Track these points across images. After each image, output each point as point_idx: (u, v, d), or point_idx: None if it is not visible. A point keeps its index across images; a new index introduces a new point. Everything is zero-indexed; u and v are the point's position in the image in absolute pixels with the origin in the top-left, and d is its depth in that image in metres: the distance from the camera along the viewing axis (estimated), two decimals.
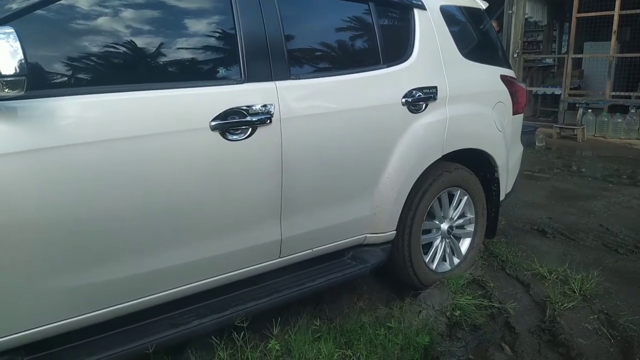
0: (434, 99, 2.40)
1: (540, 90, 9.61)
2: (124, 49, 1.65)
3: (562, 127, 8.07)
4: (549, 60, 10.71)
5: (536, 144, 7.35)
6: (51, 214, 1.47)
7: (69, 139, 1.47)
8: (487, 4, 3.02)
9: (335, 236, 2.26)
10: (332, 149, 2.09)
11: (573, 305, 2.49)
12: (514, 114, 2.94)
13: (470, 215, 2.82)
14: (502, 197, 2.94)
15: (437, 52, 2.48)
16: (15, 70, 1.26)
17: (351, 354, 2.06)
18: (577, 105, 8.43)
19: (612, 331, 2.29)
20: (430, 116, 2.40)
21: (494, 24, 8.40)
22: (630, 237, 3.48)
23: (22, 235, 1.44)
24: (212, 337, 2.00)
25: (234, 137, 1.78)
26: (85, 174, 1.52)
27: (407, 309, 2.42)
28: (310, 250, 2.18)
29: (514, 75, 3.01)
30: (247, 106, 1.80)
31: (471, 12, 2.85)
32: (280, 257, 2.07)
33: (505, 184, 2.95)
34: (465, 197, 2.74)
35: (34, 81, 1.38)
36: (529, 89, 9.52)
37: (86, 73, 1.59)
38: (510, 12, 8.81)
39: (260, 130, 1.84)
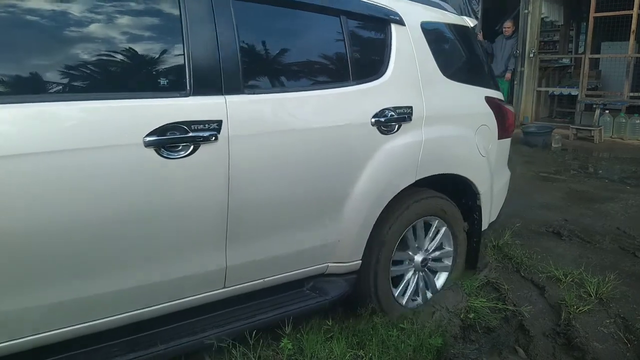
0: (409, 119, 2.22)
1: (557, 90, 9.49)
2: (52, 55, 1.51)
3: (578, 128, 7.97)
4: (566, 61, 10.56)
5: (552, 145, 7.27)
6: None
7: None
8: (475, 22, 2.86)
9: (291, 265, 2.07)
10: (289, 172, 1.93)
11: (589, 309, 2.46)
12: (499, 138, 2.73)
13: (448, 248, 2.61)
14: (485, 226, 2.73)
15: (415, 71, 2.31)
16: None
17: (363, 355, 2.06)
18: (594, 106, 8.30)
19: (629, 335, 2.26)
20: (404, 138, 2.22)
21: (510, 24, 8.37)
22: None
23: None
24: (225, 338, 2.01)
25: (172, 154, 1.62)
26: (6, 187, 1.39)
27: (420, 310, 2.41)
28: (262, 280, 1.99)
29: (501, 97, 2.82)
30: (189, 121, 1.64)
31: (457, 30, 2.68)
32: (225, 287, 1.90)
33: (489, 212, 2.74)
34: (444, 228, 2.54)
35: None
36: (545, 89, 9.42)
37: (6, 81, 1.44)
38: (526, 11, 8.72)
39: (204, 148, 1.68)
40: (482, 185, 2.60)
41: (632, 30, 7.95)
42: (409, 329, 2.23)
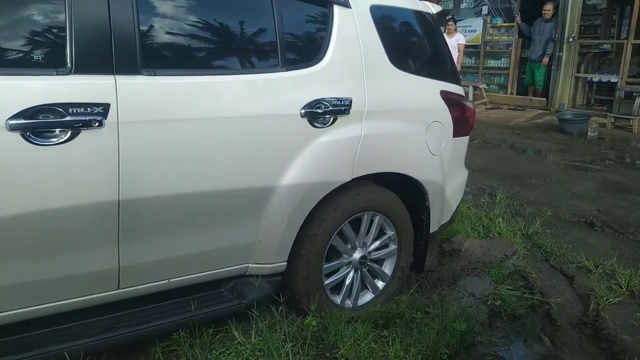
0: (346, 112, 2.01)
1: (596, 77, 9.15)
2: None
3: (616, 117, 7.69)
4: (607, 46, 10.16)
5: (588, 133, 7.05)
6: None
7: None
8: (439, 8, 2.62)
9: (201, 266, 1.89)
10: (197, 166, 1.73)
11: (619, 301, 2.42)
12: (455, 135, 2.47)
13: (392, 246, 2.39)
14: (434, 228, 2.51)
15: (359, 59, 2.07)
16: None
17: (387, 335, 2.08)
18: (634, 94, 7.98)
19: None
20: (339, 132, 2.02)
21: (550, 7, 8.08)
22: None
23: None
24: (251, 309, 2.05)
25: (42, 140, 1.44)
26: None
27: (446, 295, 2.41)
28: (166, 281, 1.81)
29: (461, 92, 2.57)
30: (66, 104, 1.45)
31: (416, 16, 2.42)
32: (119, 289, 1.71)
33: (440, 214, 2.52)
34: (385, 224, 2.33)
35: None
36: (583, 75, 9.10)
37: None
38: None
39: (85, 135, 1.49)
40: (431, 186, 2.38)
41: None
42: (434, 312, 2.24)
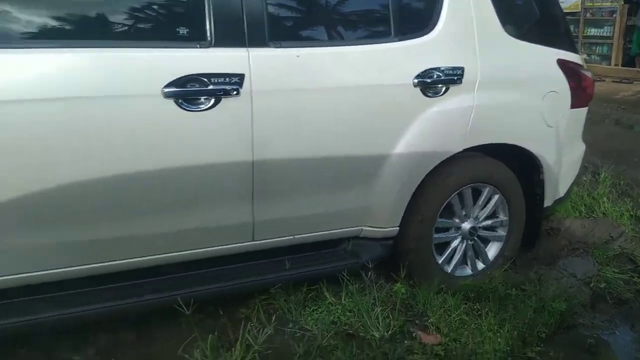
0: (458, 82, 1.99)
1: None
2: (74, 4, 1.53)
3: None
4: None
5: None
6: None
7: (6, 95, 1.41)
8: None
9: (322, 225, 2.00)
10: (319, 131, 1.83)
11: None
12: (573, 106, 2.34)
13: (503, 217, 2.33)
14: (549, 202, 2.41)
15: (471, 26, 2.03)
16: None
17: (479, 308, 2.03)
18: None
19: None
20: (452, 102, 2.00)
21: None
22: None
23: None
24: (341, 273, 2.08)
25: (192, 107, 1.59)
26: (26, 132, 1.45)
27: (544, 274, 2.30)
28: (292, 237, 1.95)
29: (578, 61, 2.43)
30: (210, 74, 1.59)
31: None
32: (253, 241, 1.88)
33: (555, 188, 2.42)
34: (496, 196, 2.27)
35: None
36: None
37: (32, 27, 1.47)
38: None
39: (225, 102, 1.63)
40: (546, 158, 2.28)
41: None
42: (531, 290, 2.14)
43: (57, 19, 1.51)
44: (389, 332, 1.85)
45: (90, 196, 1.56)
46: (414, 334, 1.91)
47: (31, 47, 1.45)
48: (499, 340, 1.85)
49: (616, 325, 2.03)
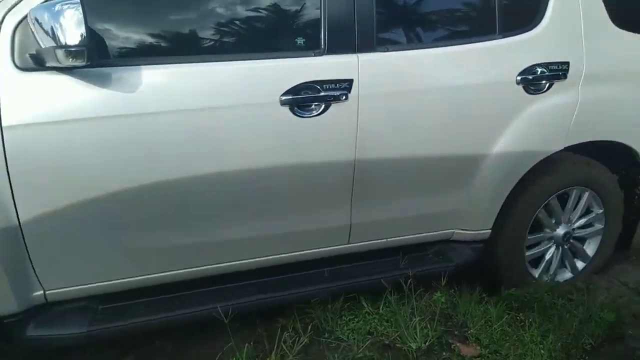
0: (563, 77, 1.96)
1: None
2: (195, 19, 1.62)
3: None
4: None
5: None
6: (126, 179, 1.54)
7: (142, 108, 1.50)
8: None
9: (415, 228, 2.03)
10: (419, 133, 1.85)
11: None
12: None
13: (598, 226, 2.30)
14: None
15: (577, 19, 1.99)
16: (78, 40, 1.29)
17: (523, 318, 1.97)
18: None
19: None
20: (554, 98, 1.98)
21: None
22: None
23: (101, 196, 1.52)
24: (382, 281, 2.08)
25: (305, 113, 1.66)
26: (159, 141, 1.55)
27: (593, 282, 2.21)
28: (385, 240, 2.00)
29: None
30: (321, 80, 1.65)
31: None
32: (349, 243, 1.95)
33: None
34: (594, 202, 2.25)
35: (105, 51, 1.47)
36: None
37: (157, 44, 1.58)
38: None
39: (334, 107, 1.69)
40: None
41: None
42: (578, 300, 2.07)
43: (195, 36, 1.64)
44: (427, 343, 1.84)
45: (215, 197, 1.67)
46: (452, 346, 1.89)
47: (173, 62, 1.55)
48: (541, 352, 1.80)
49: None
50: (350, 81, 1.69)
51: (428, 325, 1.91)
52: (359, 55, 1.71)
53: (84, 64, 1.33)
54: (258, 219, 1.76)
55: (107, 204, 1.53)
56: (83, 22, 1.28)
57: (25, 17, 1.35)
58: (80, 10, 1.28)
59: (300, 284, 1.91)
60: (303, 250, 1.89)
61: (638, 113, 2.17)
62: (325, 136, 1.72)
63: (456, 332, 1.96)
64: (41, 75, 1.40)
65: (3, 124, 1.37)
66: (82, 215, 1.52)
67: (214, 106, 1.58)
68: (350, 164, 1.78)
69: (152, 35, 1.57)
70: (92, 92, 1.44)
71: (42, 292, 1.58)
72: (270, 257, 1.85)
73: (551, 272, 2.27)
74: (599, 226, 2.29)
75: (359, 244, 1.96)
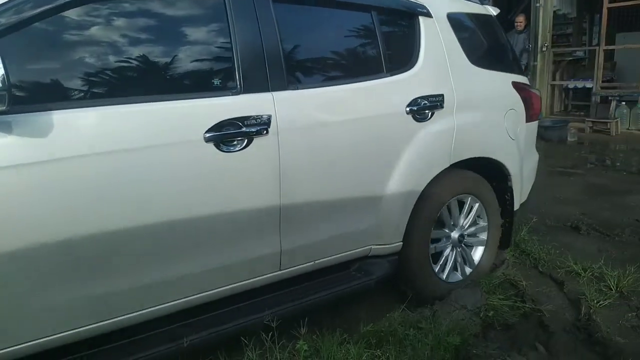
0: (441, 106, 2.34)
1: (571, 84, 9.35)
2: (115, 61, 1.64)
3: (594, 121, 7.85)
4: (580, 53, 10.41)
5: (568, 139, 7.17)
6: (47, 228, 1.48)
7: (60, 153, 1.47)
8: (498, 11, 2.93)
9: (338, 248, 2.20)
10: (333, 160, 2.05)
11: (609, 303, 2.43)
12: (527, 121, 2.82)
13: (483, 224, 2.71)
14: (516, 206, 2.83)
15: (444, 60, 2.41)
16: None
17: (380, 354, 2.05)
18: (609, 98, 8.17)
19: None
20: (437, 125, 2.33)
21: (521, 19, 8.28)
22: None
23: (20, 248, 1.44)
24: (241, 338, 2.02)
25: (229, 148, 1.76)
26: (78, 186, 1.51)
27: (438, 309, 2.39)
28: (313, 263, 2.13)
29: (526, 82, 2.93)
30: (242, 117, 1.77)
31: (480, 19, 2.77)
32: (280, 270, 2.04)
33: (520, 193, 2.84)
34: (477, 205, 2.64)
35: (21, 96, 1.44)
36: (559, 82, 9.30)
37: (76, 87, 1.57)
38: (537, 5, 8.61)
39: (257, 142, 1.80)
40: (512, 167, 2.70)
41: None
42: (427, 328, 2.21)
43: (109, 76, 1.64)
44: None
45: (142, 240, 1.65)
46: None
47: (83, 106, 1.54)
48: None
49: (506, 351, 2.14)
50: (269, 116, 1.83)
51: None
52: (273, 93, 1.86)
53: (3, 109, 1.29)
54: (186, 256, 1.78)
55: (34, 255, 1.46)
56: (1, 64, 1.25)
57: None
58: None
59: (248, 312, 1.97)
60: (240, 282, 1.95)
61: (498, 133, 2.64)
62: (251, 169, 1.83)
63: None
64: None
65: None
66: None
67: (138, 147, 1.59)
68: (275, 194, 1.90)
69: (69, 78, 1.57)
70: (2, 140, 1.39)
71: None
72: (209, 292, 1.87)
73: (446, 271, 2.59)
74: (483, 237, 2.73)
75: (290, 269, 2.07)
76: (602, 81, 8.57)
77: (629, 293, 2.51)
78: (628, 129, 7.79)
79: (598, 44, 8.71)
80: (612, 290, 2.53)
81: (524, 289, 2.62)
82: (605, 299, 2.43)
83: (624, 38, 8.89)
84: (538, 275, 2.81)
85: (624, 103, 7.96)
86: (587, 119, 7.95)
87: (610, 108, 7.96)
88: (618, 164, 5.87)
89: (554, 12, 8.97)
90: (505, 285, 2.67)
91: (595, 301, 2.42)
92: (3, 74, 1.26)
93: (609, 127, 7.59)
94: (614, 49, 9.17)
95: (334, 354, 2.04)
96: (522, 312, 2.43)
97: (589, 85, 8.79)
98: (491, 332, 2.29)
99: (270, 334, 1.97)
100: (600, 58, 8.41)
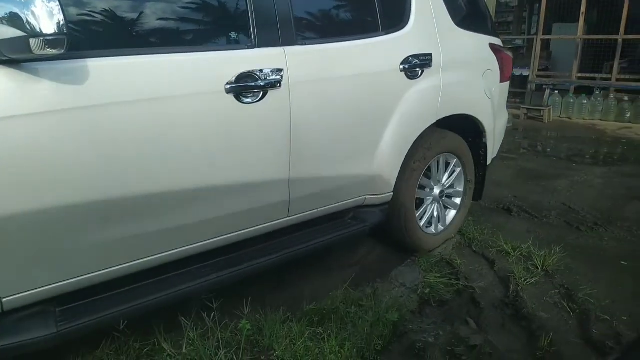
0: (429, 65, 2.51)
1: None
2: (154, 16, 1.76)
3: (529, 108, 8.25)
4: (519, 42, 10.85)
5: None
6: (83, 170, 1.55)
7: (100, 99, 1.54)
8: None
9: (338, 197, 2.39)
10: (336, 113, 2.20)
11: (536, 281, 2.59)
12: (501, 81, 3.06)
13: (459, 189, 2.99)
14: (488, 161, 3.11)
15: (432, 20, 2.57)
16: (56, 29, 1.29)
17: (322, 332, 2.09)
18: (544, 86, 8.60)
19: (572, 305, 2.39)
20: (426, 82, 2.51)
21: None
22: (591, 215, 3.62)
23: (55, 190, 1.51)
24: (181, 317, 2.00)
25: (247, 100, 1.86)
26: (116, 132, 1.59)
27: (379, 287, 2.47)
28: (316, 210, 2.32)
29: (501, 44, 3.14)
30: (259, 70, 1.87)
31: None
32: (289, 216, 2.21)
33: (492, 149, 3.12)
34: (454, 160, 2.89)
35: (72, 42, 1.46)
36: None
37: (113, 36, 1.67)
38: None
39: (271, 94, 1.92)
40: (487, 125, 2.93)
41: (581, 12, 8.23)
42: (367, 305, 2.28)
43: (148, 29, 1.76)
44: None
45: (172, 183, 1.76)
46: None
47: (124, 54, 1.61)
48: None
49: (439, 326, 2.25)
50: (281, 70, 1.94)
51: (234, 357, 1.89)
52: (285, 48, 1.98)
53: (61, 52, 1.33)
54: (207, 201, 1.89)
55: (68, 199, 1.54)
56: (60, 10, 1.28)
57: None
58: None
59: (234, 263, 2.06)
60: (255, 226, 2.10)
61: (477, 92, 2.84)
62: (267, 120, 1.95)
63: (262, 357, 1.97)
64: None
65: None
66: (42, 212, 1.49)
67: (167, 95, 1.68)
68: (287, 144, 2.04)
69: (107, 28, 1.64)
70: (44, 86, 1.43)
71: None
72: (222, 237, 2.00)
73: (432, 224, 2.89)
74: (457, 202, 3.02)
75: (297, 216, 2.24)
76: (538, 70, 9.00)
77: (553, 272, 2.69)
78: (559, 116, 8.26)
79: (536, 34, 9.10)
80: (538, 269, 2.70)
81: (458, 267, 2.74)
82: (532, 277, 2.60)
83: (560, 29, 9.34)
84: (472, 254, 2.95)
85: (557, 92, 8.42)
86: (522, 106, 8.34)
87: (544, 96, 8.40)
88: (549, 149, 6.22)
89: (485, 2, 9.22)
90: (442, 264, 2.79)
91: (522, 279, 2.58)
92: (61, 19, 1.30)
93: (542, 114, 8.00)
94: (550, 39, 9.62)
95: (277, 332, 2.06)
96: (456, 289, 2.55)
97: (525, 73, 9.20)
98: (427, 308, 2.39)
99: (212, 315, 1.96)
100: (537, 47, 8.80)
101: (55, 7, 1.28)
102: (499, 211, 3.74)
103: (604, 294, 2.47)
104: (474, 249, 3.00)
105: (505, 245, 2.94)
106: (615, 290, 2.53)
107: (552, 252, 2.82)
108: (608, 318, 2.27)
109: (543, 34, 8.90)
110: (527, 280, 2.58)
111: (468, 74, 2.79)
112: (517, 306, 2.39)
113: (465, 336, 2.16)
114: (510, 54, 3.23)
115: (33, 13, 1.26)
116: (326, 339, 2.04)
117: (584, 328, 2.22)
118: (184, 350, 1.89)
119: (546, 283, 2.60)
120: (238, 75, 1.82)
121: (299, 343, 2.01)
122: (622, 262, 2.87)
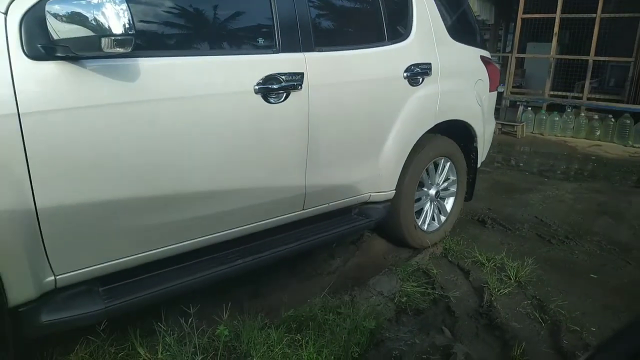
0: (429, 74, 2.73)
1: None
2: (196, 22, 1.95)
3: (503, 124, 8.44)
4: (494, 59, 11.12)
5: None
6: (132, 160, 1.68)
7: (154, 95, 1.69)
8: None
9: (347, 193, 2.57)
10: (348, 114, 2.39)
11: (509, 291, 2.65)
12: (490, 91, 3.34)
13: (452, 178, 3.22)
14: (479, 164, 3.38)
15: (430, 32, 2.80)
16: (124, 29, 1.39)
17: (300, 338, 2.09)
18: (517, 103, 8.83)
19: (543, 315, 2.45)
20: (426, 89, 2.72)
21: None
22: (562, 229, 3.73)
23: (104, 176, 1.63)
24: (157, 323, 1.98)
25: (272, 100, 2.03)
26: (166, 125, 1.74)
27: (357, 295, 2.49)
28: (327, 205, 2.48)
29: (489, 56, 3.40)
30: (282, 73, 2.05)
31: None
32: (303, 209, 2.37)
33: (482, 153, 3.40)
34: (449, 164, 3.13)
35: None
36: None
37: (160, 39, 1.82)
38: None
39: (293, 95, 2.10)
40: (478, 130, 3.20)
41: (554, 32, 8.51)
42: (345, 312, 2.29)
43: (193, 33, 1.96)
44: None
45: (202, 175, 1.91)
46: None
47: (175, 55, 1.80)
48: None
49: (415, 334, 2.28)
50: (302, 74, 2.13)
51: None
52: (305, 53, 2.17)
53: (128, 51, 1.44)
54: (241, 192, 2.05)
55: (116, 185, 1.66)
56: (128, 10, 1.38)
57: (32, 7, 1.42)
58: (124, 1, 1.38)
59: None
60: (274, 217, 2.26)
61: (470, 99, 3.10)
62: (289, 120, 2.13)
63: None
64: (51, 64, 1.47)
65: (20, 112, 1.42)
66: (94, 198, 1.62)
67: (209, 93, 1.85)
68: (305, 142, 2.22)
69: (158, 31, 1.80)
70: (103, 81, 1.56)
71: (52, 277, 1.62)
72: (248, 226, 2.16)
73: (420, 220, 3.09)
74: (453, 189, 3.26)
75: (310, 209, 2.41)
76: (512, 87, 9.24)
77: (525, 283, 2.76)
78: (532, 132, 8.48)
79: (511, 51, 9.35)
80: (511, 280, 2.77)
81: (434, 277, 2.78)
82: (505, 288, 2.66)
83: (534, 48, 9.62)
84: (448, 264, 3.00)
85: (529, 108, 8.65)
86: (496, 121, 8.51)
87: (518, 112, 8.62)
88: (522, 164, 6.38)
89: (475, 17, 9.47)
90: (419, 273, 2.82)
91: (496, 289, 2.64)
92: (129, 19, 1.39)
93: (515, 130, 8.21)
94: (524, 57, 9.90)
95: (255, 338, 2.05)
96: (432, 298, 2.59)
97: (500, 89, 9.42)
98: (404, 316, 2.42)
99: (189, 320, 1.94)
100: (512, 65, 9.05)
101: (124, 9, 1.39)
102: (474, 223, 3.81)
103: (575, 305, 2.55)
104: (450, 259, 3.05)
105: (479, 256, 3.00)
106: (585, 302, 2.61)
107: (525, 263, 2.89)
108: (578, 329, 2.34)
109: (518, 52, 9.16)
110: (501, 291, 2.63)
111: (462, 82, 3.04)
112: (490, 316, 2.43)
113: (440, 344, 2.20)
114: (498, 66, 3.48)
115: (103, 14, 1.37)
116: (304, 346, 2.04)
117: (555, 338, 2.28)
118: (159, 356, 1.86)
119: (519, 294, 2.66)
120: (265, 77, 1.99)
121: (276, 349, 2.00)
122: (592, 275, 2.96)
